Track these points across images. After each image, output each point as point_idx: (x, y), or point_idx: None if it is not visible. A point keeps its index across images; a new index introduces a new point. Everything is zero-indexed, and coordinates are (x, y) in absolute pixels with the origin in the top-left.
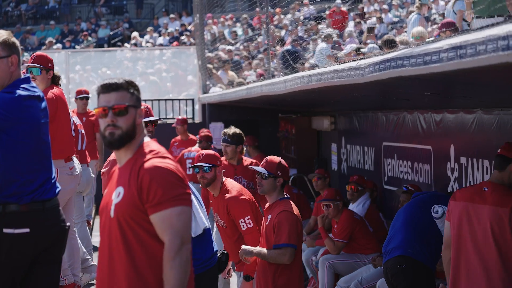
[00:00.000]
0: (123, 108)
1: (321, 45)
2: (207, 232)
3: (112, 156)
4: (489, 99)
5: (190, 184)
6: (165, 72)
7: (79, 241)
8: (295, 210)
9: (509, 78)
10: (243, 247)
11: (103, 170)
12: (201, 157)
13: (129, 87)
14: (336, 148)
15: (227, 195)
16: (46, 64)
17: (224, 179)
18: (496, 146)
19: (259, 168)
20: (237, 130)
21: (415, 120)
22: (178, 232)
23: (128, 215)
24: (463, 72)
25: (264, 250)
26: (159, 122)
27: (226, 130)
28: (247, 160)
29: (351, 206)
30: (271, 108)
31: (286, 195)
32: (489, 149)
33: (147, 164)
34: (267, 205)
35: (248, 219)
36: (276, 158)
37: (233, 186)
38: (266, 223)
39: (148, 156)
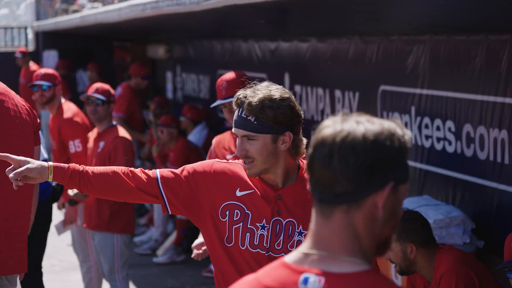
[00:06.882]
0: None
1: None
2: None
3: None
4: (323, 28)
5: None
6: None
7: None
8: (128, 135)
9: (342, 6)
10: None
11: None
12: (39, 76)
13: None
14: (172, 76)
15: (62, 116)
16: None
17: (63, 100)
18: (330, 75)
19: (97, 95)
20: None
21: (250, 48)
22: None
23: None
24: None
25: None
26: None
27: (243, 94)
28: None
29: (189, 136)
30: (106, 36)
31: (114, 122)
32: (323, 78)
33: None
34: (95, 132)
35: (78, 142)
36: (106, 85)
37: (69, 108)
38: (99, 150)
39: None
